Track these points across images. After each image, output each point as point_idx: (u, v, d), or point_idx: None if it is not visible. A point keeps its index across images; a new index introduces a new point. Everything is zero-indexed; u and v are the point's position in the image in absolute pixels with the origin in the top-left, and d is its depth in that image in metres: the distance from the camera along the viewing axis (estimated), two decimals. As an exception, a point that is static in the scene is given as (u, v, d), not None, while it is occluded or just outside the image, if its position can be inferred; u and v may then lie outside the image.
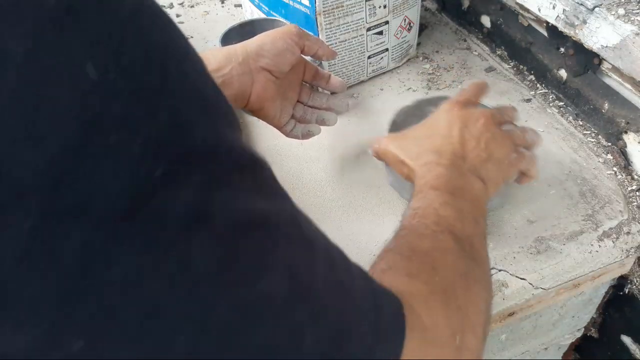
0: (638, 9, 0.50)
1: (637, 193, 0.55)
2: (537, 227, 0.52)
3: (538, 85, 0.71)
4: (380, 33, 0.69)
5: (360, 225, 0.53)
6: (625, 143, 0.57)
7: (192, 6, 0.96)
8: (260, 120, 0.52)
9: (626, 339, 0.63)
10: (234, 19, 0.91)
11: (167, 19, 0.18)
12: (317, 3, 0.60)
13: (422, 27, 0.84)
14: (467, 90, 0.47)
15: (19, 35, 0.14)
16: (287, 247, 0.21)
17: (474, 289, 0.32)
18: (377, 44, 0.70)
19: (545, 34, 0.66)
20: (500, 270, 0.48)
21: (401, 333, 0.24)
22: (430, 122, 0.45)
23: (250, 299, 0.18)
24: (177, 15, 0.93)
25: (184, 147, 0.17)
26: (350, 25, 0.65)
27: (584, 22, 0.53)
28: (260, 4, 0.72)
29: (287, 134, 0.53)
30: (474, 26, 0.82)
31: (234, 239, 0.18)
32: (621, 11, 0.50)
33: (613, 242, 0.50)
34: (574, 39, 0.56)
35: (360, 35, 0.67)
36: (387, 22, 0.68)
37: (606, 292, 0.62)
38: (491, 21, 0.77)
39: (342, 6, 0.62)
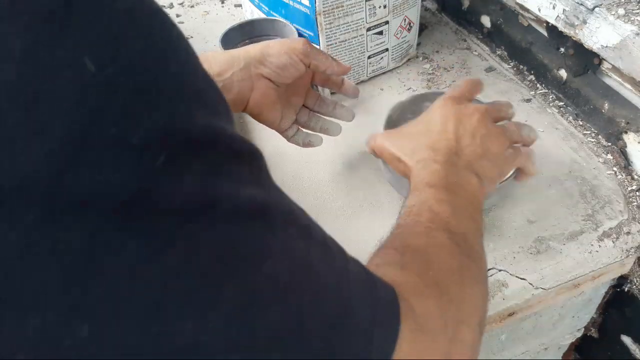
0: (638, 9, 0.50)
1: (637, 193, 0.55)
2: (537, 227, 0.52)
3: (538, 85, 0.71)
4: (380, 33, 0.69)
5: (360, 225, 0.53)
6: (625, 143, 0.57)
7: (192, 6, 0.97)
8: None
9: (626, 339, 0.63)
10: (234, 19, 0.91)
11: (164, 15, 0.19)
12: (317, 3, 0.60)
13: (422, 27, 0.84)
14: (461, 85, 0.46)
15: (18, 30, 0.14)
16: (286, 233, 0.21)
17: (469, 284, 0.32)
18: (377, 44, 0.70)
19: (545, 34, 0.66)
20: (500, 270, 0.48)
21: (396, 319, 0.24)
22: (425, 118, 0.45)
23: (257, 281, 0.19)
24: (177, 15, 0.93)
25: (184, 137, 0.17)
26: (350, 25, 0.65)
27: (584, 22, 0.53)
28: (260, 4, 0.72)
29: (288, 139, 0.53)
30: (474, 26, 0.82)
31: (237, 225, 0.19)
32: (621, 11, 0.50)
33: (613, 242, 0.50)
34: (574, 39, 0.56)
35: (360, 35, 0.67)
36: (387, 22, 0.68)
37: (606, 292, 0.62)
38: (491, 21, 0.77)
39: (342, 6, 0.62)
